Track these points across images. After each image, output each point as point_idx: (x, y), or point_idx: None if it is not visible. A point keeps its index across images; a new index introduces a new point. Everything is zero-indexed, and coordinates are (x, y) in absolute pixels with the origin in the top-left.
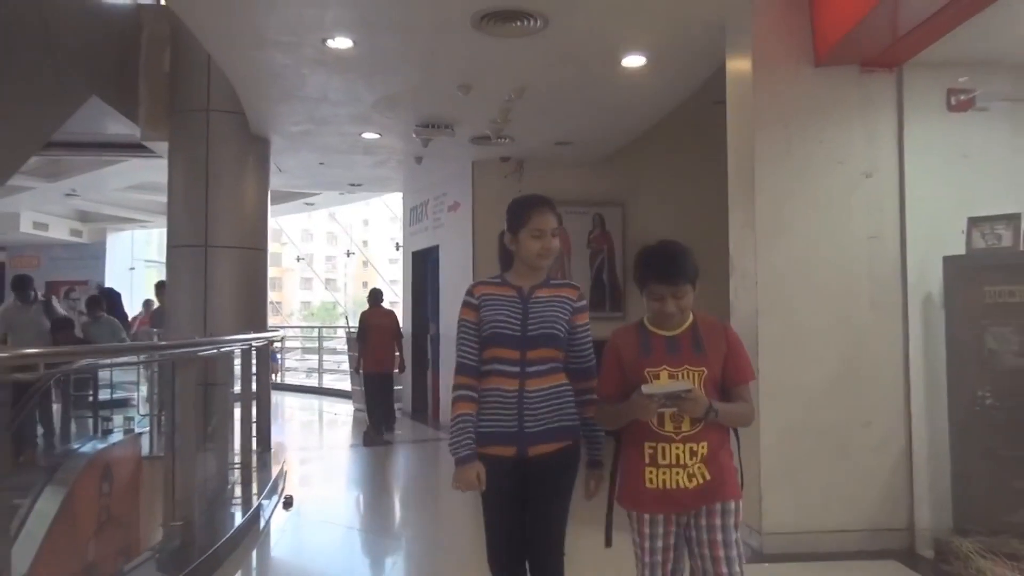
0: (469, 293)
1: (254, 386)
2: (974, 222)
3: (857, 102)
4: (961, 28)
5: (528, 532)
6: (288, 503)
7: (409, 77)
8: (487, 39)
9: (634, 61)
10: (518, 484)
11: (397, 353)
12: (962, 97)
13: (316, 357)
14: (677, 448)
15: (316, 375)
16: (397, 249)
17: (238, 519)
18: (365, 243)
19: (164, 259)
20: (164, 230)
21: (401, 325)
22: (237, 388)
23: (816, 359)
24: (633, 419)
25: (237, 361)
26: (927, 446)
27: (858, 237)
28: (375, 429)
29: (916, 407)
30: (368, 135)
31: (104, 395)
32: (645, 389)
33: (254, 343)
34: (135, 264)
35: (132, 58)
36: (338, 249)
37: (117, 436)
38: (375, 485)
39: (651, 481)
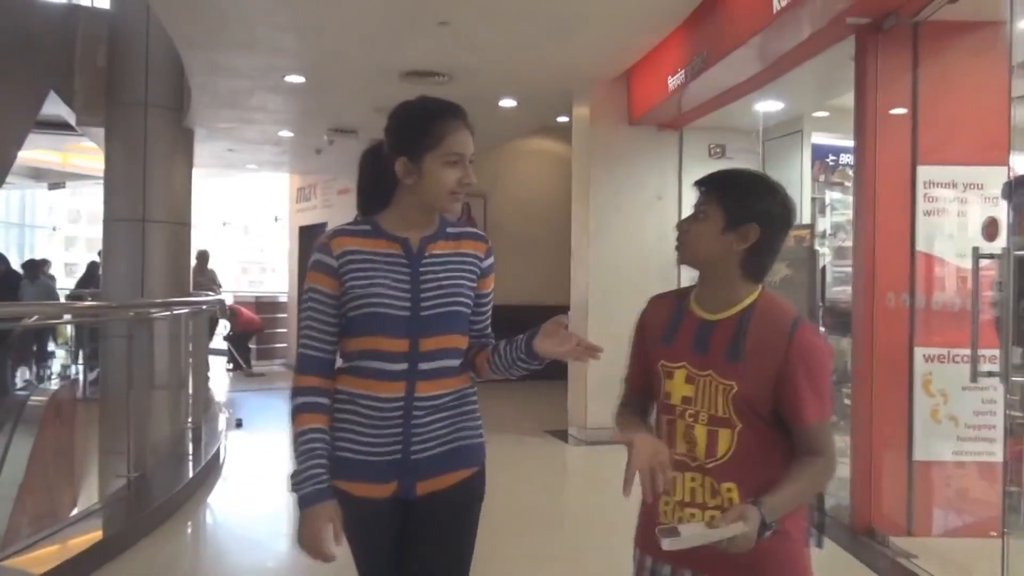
0: (323, 248)
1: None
2: None
3: (655, 150)
4: (717, 111)
5: None
6: (239, 423)
7: (338, 101)
8: (407, 85)
9: (508, 103)
10: (399, 534)
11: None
12: (717, 150)
13: None
14: (692, 480)
15: None
16: (275, 221)
17: (218, 435)
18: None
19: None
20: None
21: (287, 291)
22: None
23: (623, 318)
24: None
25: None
26: None
27: (651, 238)
28: (235, 361)
29: None
30: (284, 133)
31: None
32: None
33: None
34: None
35: (69, 51)
36: None
37: (55, 382)
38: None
39: (665, 514)
